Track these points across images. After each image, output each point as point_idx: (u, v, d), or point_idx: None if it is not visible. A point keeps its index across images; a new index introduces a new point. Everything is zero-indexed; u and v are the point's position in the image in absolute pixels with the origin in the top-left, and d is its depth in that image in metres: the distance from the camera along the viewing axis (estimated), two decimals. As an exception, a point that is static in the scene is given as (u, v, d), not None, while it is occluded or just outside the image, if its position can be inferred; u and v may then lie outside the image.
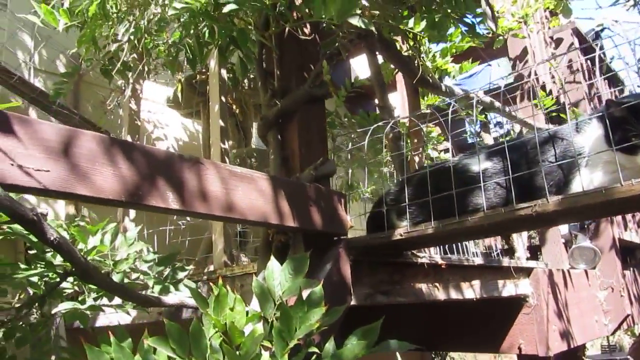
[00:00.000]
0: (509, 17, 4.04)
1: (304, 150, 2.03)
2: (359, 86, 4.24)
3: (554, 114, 3.91)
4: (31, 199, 3.11)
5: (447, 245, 3.06)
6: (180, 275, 1.95)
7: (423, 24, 2.00)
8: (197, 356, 1.28)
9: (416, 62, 2.93)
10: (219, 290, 1.34)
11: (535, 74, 3.96)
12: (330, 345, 1.43)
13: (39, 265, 1.60)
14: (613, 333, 3.98)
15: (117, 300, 1.78)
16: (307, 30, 2.05)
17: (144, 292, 1.84)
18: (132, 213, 3.19)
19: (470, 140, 5.39)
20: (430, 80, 3.07)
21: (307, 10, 1.75)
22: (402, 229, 1.87)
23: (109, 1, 1.89)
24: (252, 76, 3.48)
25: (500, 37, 3.79)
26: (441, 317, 3.26)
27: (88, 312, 1.61)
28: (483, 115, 4.29)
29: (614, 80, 4.63)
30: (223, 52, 2.11)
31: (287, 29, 1.90)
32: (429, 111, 4.03)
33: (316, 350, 1.40)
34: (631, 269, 4.37)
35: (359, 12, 1.65)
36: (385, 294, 2.11)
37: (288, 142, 2.05)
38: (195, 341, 1.31)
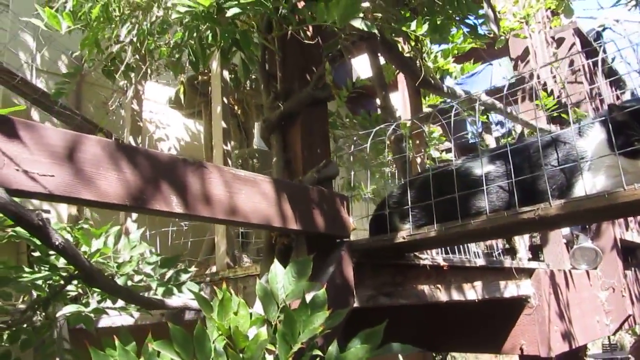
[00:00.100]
0: (510, 18, 4.04)
1: (306, 152, 2.04)
2: (360, 86, 4.24)
3: (555, 114, 3.91)
4: (34, 199, 3.11)
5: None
6: (184, 277, 1.96)
7: (425, 26, 2.00)
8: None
9: (418, 63, 2.93)
10: (223, 294, 1.34)
11: (538, 77, 3.95)
12: (333, 349, 1.44)
13: (42, 268, 1.61)
14: (614, 333, 3.99)
15: (121, 303, 1.79)
16: (309, 33, 2.05)
17: (147, 294, 1.85)
18: (135, 214, 3.20)
19: (471, 140, 5.39)
20: (432, 82, 3.07)
21: (309, 14, 1.75)
22: (405, 232, 1.87)
23: (112, 4, 1.90)
24: (253, 77, 3.48)
25: (502, 38, 3.79)
26: (443, 317, 3.27)
27: (92, 315, 1.62)
28: (485, 116, 4.29)
29: (616, 81, 4.63)
30: (225, 54, 2.11)
31: (290, 31, 1.90)
32: (430, 111, 4.03)
33: (319, 353, 1.41)
34: (632, 269, 4.38)
35: (361, 15, 1.65)
36: (387, 295, 2.11)
37: (291, 145, 2.06)
38: (199, 345, 1.32)
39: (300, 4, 1.81)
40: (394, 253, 2.12)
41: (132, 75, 2.70)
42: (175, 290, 1.87)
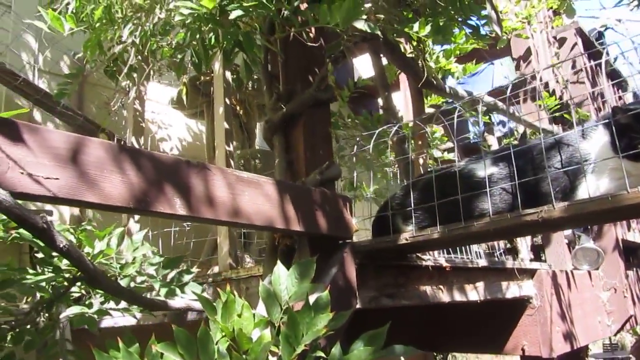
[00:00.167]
0: (512, 18, 4.03)
1: (309, 153, 2.04)
2: (362, 86, 4.24)
3: (557, 114, 3.91)
4: (38, 202, 3.12)
5: (450, 246, 3.06)
6: (186, 277, 1.96)
7: (428, 28, 2.00)
8: (204, 362, 1.29)
9: (420, 64, 2.93)
10: (226, 297, 1.34)
11: (540, 80, 3.95)
12: (336, 350, 1.44)
13: (46, 269, 1.61)
14: (616, 334, 3.99)
15: (124, 304, 1.79)
16: (311, 35, 2.05)
17: (149, 295, 1.85)
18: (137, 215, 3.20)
19: (473, 140, 5.38)
20: (435, 82, 3.07)
21: (312, 15, 1.75)
22: (408, 234, 1.87)
23: (115, 6, 1.90)
24: (255, 77, 3.48)
25: (504, 38, 3.78)
26: (444, 317, 3.27)
27: (95, 316, 1.62)
28: (487, 117, 4.29)
29: (618, 82, 4.62)
30: (228, 55, 2.11)
31: (292, 32, 1.90)
32: (432, 111, 4.03)
33: (322, 354, 1.41)
34: (634, 269, 4.38)
35: (364, 16, 1.65)
36: (390, 296, 2.12)
37: (293, 146, 2.06)
38: (203, 346, 1.32)
39: (303, 6, 1.82)
40: (396, 254, 2.12)
41: (135, 75, 2.70)
42: (178, 291, 1.87)
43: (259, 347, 1.30)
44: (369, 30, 1.60)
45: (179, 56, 2.26)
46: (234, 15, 1.59)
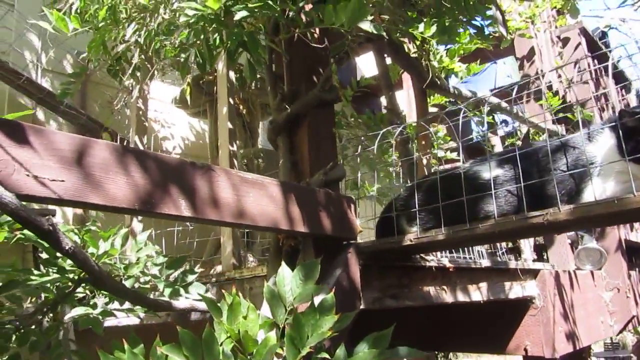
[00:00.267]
0: (516, 17, 4.02)
1: (313, 154, 2.04)
2: (364, 85, 4.23)
3: (560, 114, 3.90)
4: (44, 204, 3.12)
5: (452, 246, 3.06)
6: (190, 277, 1.96)
7: (433, 28, 1.99)
8: (210, 363, 1.29)
9: (424, 64, 2.92)
10: (232, 299, 1.34)
11: (543, 77, 3.94)
12: (341, 352, 1.44)
13: (51, 270, 1.61)
14: (618, 334, 3.99)
15: (128, 304, 1.79)
16: (316, 35, 2.05)
17: (153, 295, 1.85)
18: (140, 214, 3.20)
19: (476, 139, 5.36)
20: (439, 82, 3.07)
21: (317, 15, 1.75)
22: (412, 235, 1.87)
23: (119, 6, 1.90)
24: (259, 76, 3.47)
25: (508, 37, 3.77)
26: (447, 317, 3.27)
27: (100, 317, 1.63)
28: (490, 117, 4.28)
29: (621, 80, 4.61)
30: (232, 55, 2.11)
31: (296, 33, 1.90)
32: (437, 112, 4.02)
33: (327, 356, 1.41)
34: (637, 269, 4.37)
35: (370, 17, 1.64)
36: (394, 297, 2.12)
37: (298, 146, 2.06)
38: (208, 348, 1.32)
39: (308, 7, 1.81)
40: (400, 255, 2.12)
41: (138, 74, 2.69)
42: (182, 291, 1.88)
43: (264, 349, 1.30)
44: (374, 32, 1.60)
45: (183, 56, 2.25)
46: (239, 16, 1.59)
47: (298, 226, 1.72)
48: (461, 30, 2.37)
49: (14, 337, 1.53)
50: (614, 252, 3.95)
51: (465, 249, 3.04)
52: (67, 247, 1.21)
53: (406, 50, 3.08)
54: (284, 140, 2.05)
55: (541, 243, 4.22)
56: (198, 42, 1.89)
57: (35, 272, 1.56)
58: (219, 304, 1.40)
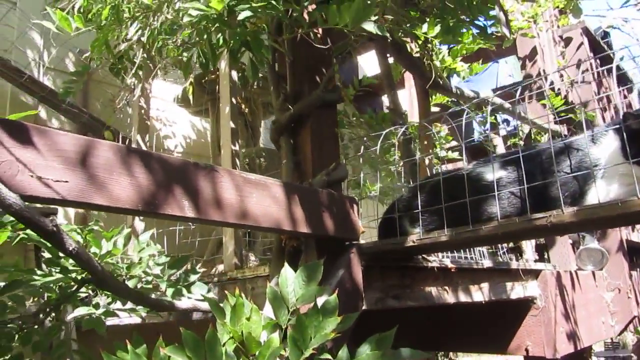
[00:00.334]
0: (518, 17, 4.01)
1: (316, 154, 2.03)
2: (366, 84, 4.23)
3: (563, 113, 3.90)
4: (48, 204, 3.12)
5: (454, 246, 3.05)
6: (192, 277, 1.96)
7: (437, 28, 1.99)
8: (213, 364, 1.29)
9: (426, 64, 2.92)
10: (235, 300, 1.34)
11: (546, 78, 3.93)
12: (343, 353, 1.44)
13: (53, 270, 1.61)
14: (620, 334, 3.99)
15: (130, 304, 1.79)
16: (319, 35, 2.04)
17: (155, 295, 1.85)
18: (142, 212, 3.19)
19: (478, 139, 5.36)
20: (441, 82, 3.06)
21: (321, 15, 1.75)
22: (415, 236, 1.87)
23: (122, 5, 1.89)
24: (261, 75, 3.47)
25: (510, 37, 3.77)
26: (448, 317, 3.27)
27: (103, 317, 1.62)
28: (492, 117, 4.28)
29: (623, 81, 4.60)
30: (235, 54, 2.10)
31: (299, 33, 1.89)
32: (438, 111, 4.01)
33: (329, 357, 1.41)
34: (638, 269, 4.37)
35: (373, 18, 1.64)
36: (396, 298, 2.12)
37: (300, 147, 2.06)
38: (211, 349, 1.32)
39: (311, 7, 1.81)
40: (402, 256, 2.12)
41: (140, 73, 2.69)
42: (184, 291, 1.87)
43: (267, 351, 1.30)
44: (378, 33, 1.59)
45: (185, 55, 2.25)
46: (242, 15, 1.59)
47: (301, 227, 1.71)
48: (464, 30, 2.37)
49: (16, 337, 1.53)
50: (616, 252, 3.96)
51: (468, 249, 3.04)
52: (70, 248, 1.21)
53: (408, 50, 3.08)
54: (287, 140, 2.05)
55: (543, 243, 4.22)
56: (201, 41, 1.89)
57: (39, 272, 1.56)
58: (221, 305, 1.40)
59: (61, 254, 1.62)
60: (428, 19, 2.21)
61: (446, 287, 2.37)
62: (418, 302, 2.20)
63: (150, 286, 1.86)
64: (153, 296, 1.78)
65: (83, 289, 1.72)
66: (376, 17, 1.63)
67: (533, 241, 4.13)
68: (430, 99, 4.29)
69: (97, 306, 1.67)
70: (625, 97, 4.82)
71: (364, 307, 1.90)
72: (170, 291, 1.81)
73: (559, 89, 4.17)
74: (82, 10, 2.03)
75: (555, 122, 3.87)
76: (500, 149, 3.90)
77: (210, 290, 1.96)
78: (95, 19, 1.96)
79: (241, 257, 2.54)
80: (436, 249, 2.08)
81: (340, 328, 1.43)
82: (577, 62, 4.30)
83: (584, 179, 1.67)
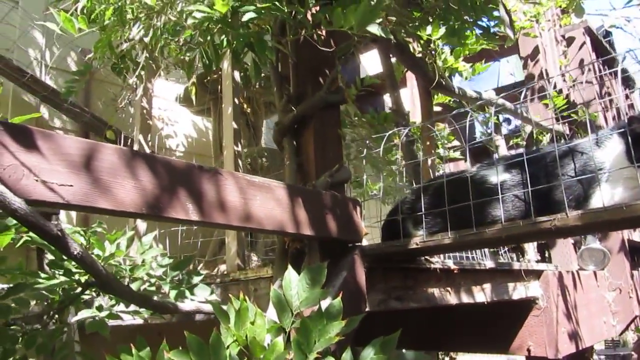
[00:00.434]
0: (520, 16, 4.01)
1: (319, 156, 2.03)
2: (368, 84, 4.22)
3: (565, 113, 3.89)
4: (52, 208, 3.11)
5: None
6: (196, 279, 1.96)
7: (442, 30, 1.98)
8: (217, 368, 1.29)
9: (429, 64, 2.91)
10: (240, 305, 1.34)
11: (550, 81, 3.93)
12: (347, 356, 1.44)
13: (57, 272, 1.61)
14: (621, 334, 3.99)
15: (134, 306, 1.79)
16: (322, 36, 2.03)
17: (158, 297, 1.85)
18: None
19: (478, 137, 5.36)
20: (444, 82, 3.06)
21: (324, 17, 1.74)
22: (419, 238, 1.87)
23: (125, 6, 1.89)
24: (263, 74, 3.46)
25: (513, 38, 3.76)
26: (450, 317, 3.27)
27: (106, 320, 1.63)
28: (495, 117, 4.27)
29: (625, 79, 4.59)
30: (237, 55, 2.10)
31: (303, 34, 1.89)
32: (442, 113, 4.00)
33: (333, 360, 1.41)
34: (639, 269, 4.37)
35: (378, 20, 1.63)
36: (398, 299, 2.12)
37: (303, 148, 2.05)
38: (215, 353, 1.32)
39: (316, 9, 1.80)
40: (405, 257, 2.12)
41: (143, 73, 2.69)
42: (187, 293, 1.87)
43: (272, 355, 1.30)
44: (383, 35, 1.59)
45: (189, 55, 2.24)
46: (247, 17, 1.58)
47: (304, 229, 1.71)
48: (467, 31, 2.36)
49: (20, 340, 1.53)
50: (617, 252, 3.95)
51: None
52: (75, 252, 1.21)
53: (411, 50, 3.07)
54: (290, 141, 2.05)
55: (544, 243, 4.21)
56: (205, 42, 1.88)
57: (43, 275, 1.55)
58: (225, 307, 1.40)
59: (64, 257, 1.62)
60: (431, 19, 2.20)
61: (448, 288, 2.37)
62: (420, 303, 2.20)
63: (154, 288, 1.86)
64: (156, 298, 1.78)
65: (87, 291, 1.72)
66: (380, 19, 1.62)
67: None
68: (433, 98, 4.28)
69: (100, 308, 1.67)
70: (627, 97, 4.81)
71: (366, 309, 1.90)
72: (173, 293, 1.81)
73: (560, 89, 4.17)
74: (85, 10, 2.03)
75: (557, 121, 3.87)
76: (503, 149, 3.89)
77: (213, 292, 1.96)
78: (98, 21, 1.96)
79: (244, 258, 2.54)
80: (439, 251, 2.09)
81: (344, 331, 1.43)
82: (580, 64, 4.29)
83: (588, 182, 1.66)
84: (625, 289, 3.91)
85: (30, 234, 1.61)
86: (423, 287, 2.23)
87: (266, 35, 2.07)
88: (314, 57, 2.09)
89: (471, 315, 3.15)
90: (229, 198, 1.51)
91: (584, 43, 4.41)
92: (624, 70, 3.69)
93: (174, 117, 4.37)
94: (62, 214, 3.40)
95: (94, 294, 1.76)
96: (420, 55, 3.11)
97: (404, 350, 3.26)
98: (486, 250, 3.72)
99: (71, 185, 1.18)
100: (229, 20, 1.69)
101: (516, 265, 2.92)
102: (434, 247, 1.83)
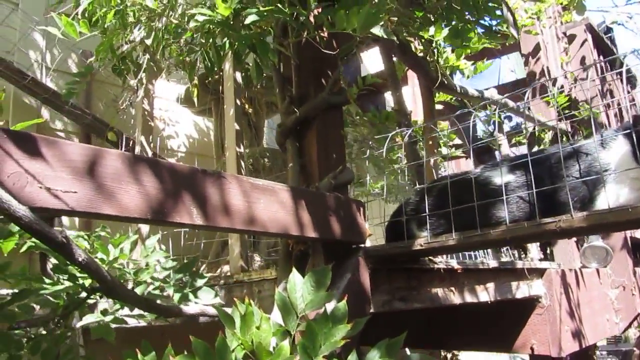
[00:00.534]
0: (522, 14, 3.99)
1: (322, 157, 2.03)
2: (369, 83, 4.21)
3: (567, 111, 3.88)
4: (57, 216, 3.11)
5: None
6: (199, 282, 1.96)
7: (445, 31, 1.97)
8: (223, 373, 1.29)
9: (431, 63, 2.90)
10: (245, 309, 1.34)
11: (554, 82, 3.92)
12: (353, 359, 1.44)
13: (61, 277, 1.61)
14: (624, 331, 3.99)
15: (138, 309, 1.79)
16: (325, 37, 2.03)
17: (161, 299, 1.85)
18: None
19: (480, 135, 5.35)
20: (446, 82, 3.05)
21: (327, 19, 1.73)
22: (423, 240, 1.86)
23: (127, 9, 1.88)
24: (264, 75, 3.45)
25: (516, 36, 3.75)
26: (453, 316, 3.27)
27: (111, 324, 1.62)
28: (498, 116, 4.26)
29: (628, 78, 4.58)
30: (239, 57, 2.09)
31: (305, 36, 1.88)
32: (445, 113, 3.99)
33: (339, 363, 1.41)
34: (642, 266, 4.37)
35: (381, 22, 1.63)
36: (402, 300, 2.11)
37: (306, 150, 2.05)
38: (221, 357, 1.32)
39: (318, 10, 1.79)
40: (409, 258, 2.12)
41: (144, 74, 2.68)
42: (191, 296, 1.87)
43: (278, 359, 1.30)
44: (385, 37, 1.58)
45: (190, 57, 2.24)
46: (249, 20, 1.58)
47: (308, 232, 1.71)
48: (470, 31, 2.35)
49: (25, 345, 1.53)
50: (620, 249, 3.95)
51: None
52: (80, 259, 1.20)
53: (413, 49, 3.06)
54: (293, 143, 2.04)
55: (546, 240, 4.21)
56: (207, 44, 1.88)
57: (47, 280, 1.55)
58: (230, 311, 1.39)
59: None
60: (433, 19, 2.19)
61: (452, 288, 2.36)
62: (424, 303, 2.20)
63: (158, 291, 1.86)
64: (160, 302, 1.78)
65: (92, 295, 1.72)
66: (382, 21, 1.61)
67: (538, 240, 4.12)
68: (434, 96, 4.27)
69: (105, 312, 1.67)
70: (628, 92, 4.80)
71: (371, 310, 1.90)
72: (177, 296, 1.81)
73: (562, 86, 4.16)
74: (86, 13, 2.02)
75: (559, 119, 3.86)
76: (505, 148, 3.88)
77: (217, 294, 1.95)
78: (100, 24, 1.95)
79: (247, 259, 2.53)
80: (444, 252, 2.08)
81: (350, 333, 1.43)
82: (582, 61, 4.27)
83: (593, 183, 1.66)
84: (628, 286, 3.91)
85: (34, 240, 1.61)
86: (427, 287, 2.22)
87: (268, 36, 2.07)
88: (316, 58, 2.08)
89: (474, 314, 3.14)
90: (233, 202, 1.51)
91: (586, 40, 4.40)
92: (627, 70, 3.68)
93: (175, 118, 4.36)
94: (65, 217, 3.40)
95: (98, 297, 1.76)
96: (421, 54, 3.10)
97: (407, 351, 3.26)
98: (489, 249, 3.71)
99: (75, 192, 1.18)
100: (231, 22, 1.69)
101: (519, 264, 2.91)
102: (438, 248, 1.82)
